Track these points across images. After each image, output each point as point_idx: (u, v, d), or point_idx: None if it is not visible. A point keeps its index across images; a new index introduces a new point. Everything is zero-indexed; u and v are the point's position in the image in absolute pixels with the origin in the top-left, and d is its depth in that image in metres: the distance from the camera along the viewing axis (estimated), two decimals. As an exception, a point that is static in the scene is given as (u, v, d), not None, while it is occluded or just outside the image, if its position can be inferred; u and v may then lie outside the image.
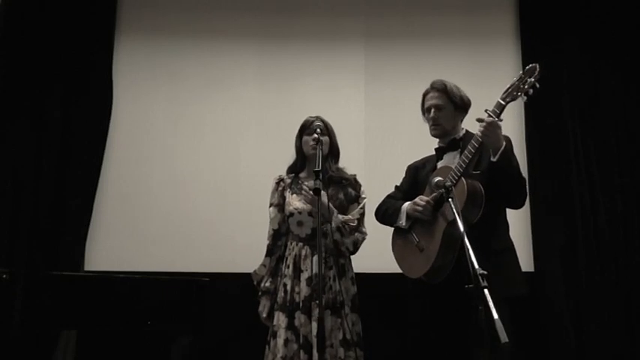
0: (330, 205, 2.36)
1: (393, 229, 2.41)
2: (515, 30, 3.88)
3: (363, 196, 2.52)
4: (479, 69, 3.74)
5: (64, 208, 3.50)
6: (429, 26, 3.91)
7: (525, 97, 2.05)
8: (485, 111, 2.09)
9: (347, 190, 2.49)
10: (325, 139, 2.47)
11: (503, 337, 1.41)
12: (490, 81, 3.62)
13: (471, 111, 2.39)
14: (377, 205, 2.50)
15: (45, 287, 2.55)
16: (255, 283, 2.52)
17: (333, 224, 2.35)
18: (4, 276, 2.97)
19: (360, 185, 2.54)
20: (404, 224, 2.29)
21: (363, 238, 2.45)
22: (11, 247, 3.41)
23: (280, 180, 2.59)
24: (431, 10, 3.94)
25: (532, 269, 3.46)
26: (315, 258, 2.35)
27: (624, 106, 3.67)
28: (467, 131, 2.35)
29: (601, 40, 3.75)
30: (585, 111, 3.67)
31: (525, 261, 3.43)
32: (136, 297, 2.53)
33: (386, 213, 2.42)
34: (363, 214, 2.48)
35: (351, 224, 2.40)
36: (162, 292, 2.60)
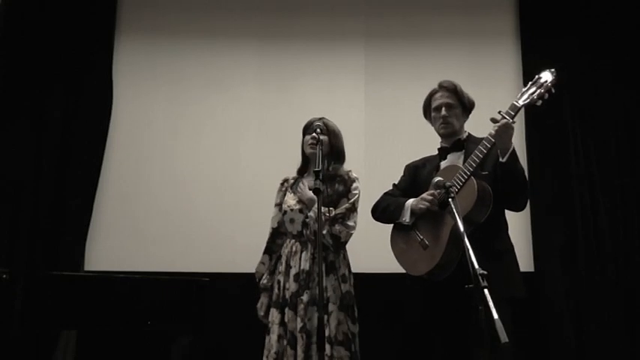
0: (311, 194, 2.36)
1: (391, 227, 2.40)
2: (515, 30, 3.88)
3: (355, 192, 2.48)
4: (479, 69, 3.74)
5: (64, 208, 3.50)
6: (429, 26, 3.91)
7: (540, 102, 2.06)
8: (499, 112, 2.08)
9: (336, 185, 2.49)
10: (325, 138, 2.47)
11: (503, 337, 1.41)
12: (490, 81, 3.63)
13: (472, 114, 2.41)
14: (374, 203, 2.49)
15: (45, 287, 2.55)
16: (257, 280, 2.55)
17: (311, 213, 2.37)
18: (4, 276, 2.97)
19: (352, 181, 2.51)
20: (407, 220, 2.26)
21: (348, 233, 2.40)
22: (11, 247, 3.41)
23: (285, 181, 2.63)
24: (431, 10, 3.94)
25: (532, 269, 3.45)
26: (304, 254, 2.36)
27: (624, 106, 3.67)
28: (469, 134, 2.35)
29: (601, 40, 3.75)
30: (585, 111, 3.68)
31: (525, 261, 3.43)
32: (136, 297, 2.53)
33: (386, 209, 2.38)
34: (350, 210, 2.43)
35: (326, 215, 2.37)
36: (162, 292, 2.60)
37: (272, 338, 2.33)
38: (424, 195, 2.22)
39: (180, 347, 2.69)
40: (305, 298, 2.29)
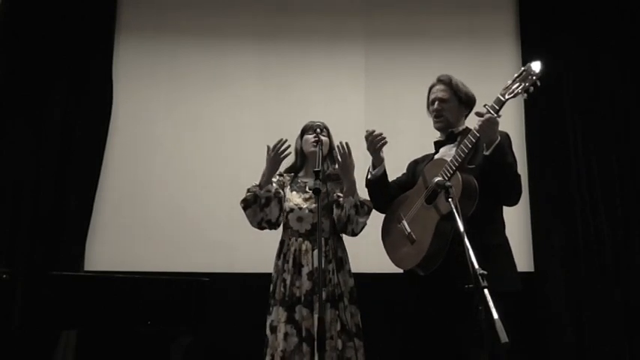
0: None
1: (383, 220, 2.42)
2: (515, 30, 3.88)
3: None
4: (479, 69, 3.73)
5: (64, 208, 3.49)
6: (429, 26, 3.91)
7: (526, 95, 2.05)
8: (484, 106, 2.09)
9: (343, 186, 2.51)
10: (325, 139, 2.52)
11: (503, 337, 1.41)
12: (490, 81, 3.60)
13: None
14: None
15: (45, 287, 2.55)
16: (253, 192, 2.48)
17: (353, 199, 2.40)
18: (5, 276, 2.98)
19: None
20: (373, 171, 2.37)
21: (365, 224, 2.49)
22: (11, 247, 3.41)
23: (280, 175, 2.62)
24: (431, 10, 3.94)
25: (532, 269, 3.46)
26: (316, 252, 2.36)
27: (625, 106, 3.67)
28: (467, 127, 2.35)
29: (601, 39, 3.75)
30: (586, 111, 3.67)
31: (525, 261, 3.43)
32: (136, 297, 2.53)
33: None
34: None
35: (369, 204, 2.45)
36: (162, 292, 2.60)
37: (278, 337, 2.32)
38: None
39: (180, 347, 2.69)
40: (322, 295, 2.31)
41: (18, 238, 3.43)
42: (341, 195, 2.45)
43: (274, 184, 2.51)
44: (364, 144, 2.35)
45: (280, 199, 2.49)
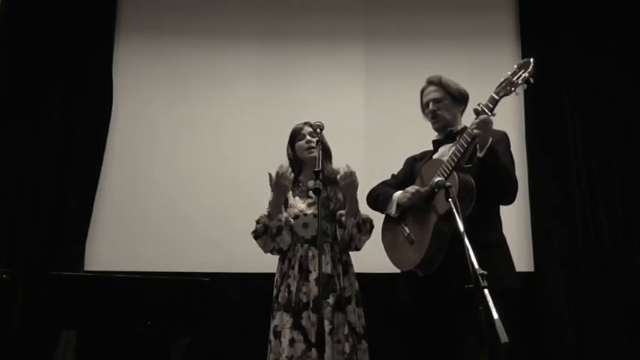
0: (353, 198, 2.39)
1: (383, 220, 2.43)
2: (515, 30, 3.88)
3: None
4: (479, 69, 3.73)
5: (64, 208, 3.49)
6: (429, 26, 3.91)
7: (517, 92, 2.07)
8: (479, 105, 2.10)
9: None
10: (317, 139, 2.49)
11: (503, 337, 1.41)
12: (490, 81, 3.60)
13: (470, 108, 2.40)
14: (369, 190, 2.51)
15: (45, 287, 2.55)
16: (262, 223, 2.42)
17: (355, 219, 2.39)
18: (5, 276, 2.98)
19: None
20: (393, 212, 2.31)
21: (367, 240, 2.49)
22: (11, 247, 3.41)
23: None
24: (431, 10, 3.94)
25: (532, 269, 3.45)
26: (324, 258, 2.36)
27: (625, 106, 3.67)
28: (465, 126, 2.35)
29: (601, 40, 3.75)
30: (586, 111, 3.67)
31: (525, 261, 3.43)
32: (136, 297, 2.53)
33: (377, 199, 2.44)
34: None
35: (370, 223, 2.45)
36: (162, 292, 2.60)
37: (283, 342, 2.30)
38: (409, 188, 2.25)
39: (180, 347, 2.69)
40: (331, 300, 2.32)
41: (18, 238, 3.43)
42: (343, 213, 2.44)
43: (283, 214, 2.46)
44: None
45: (291, 227, 2.46)
